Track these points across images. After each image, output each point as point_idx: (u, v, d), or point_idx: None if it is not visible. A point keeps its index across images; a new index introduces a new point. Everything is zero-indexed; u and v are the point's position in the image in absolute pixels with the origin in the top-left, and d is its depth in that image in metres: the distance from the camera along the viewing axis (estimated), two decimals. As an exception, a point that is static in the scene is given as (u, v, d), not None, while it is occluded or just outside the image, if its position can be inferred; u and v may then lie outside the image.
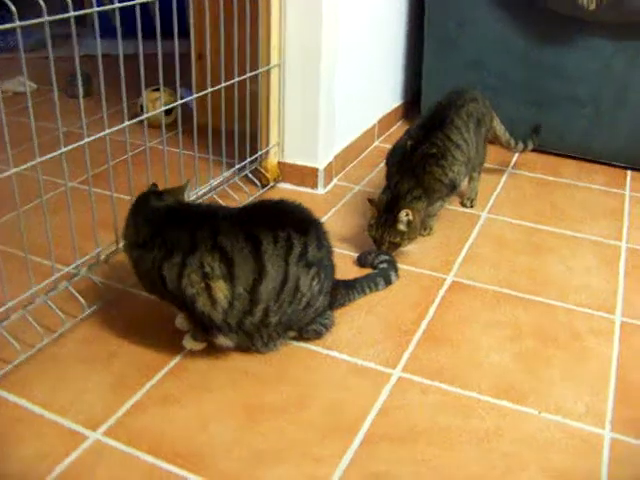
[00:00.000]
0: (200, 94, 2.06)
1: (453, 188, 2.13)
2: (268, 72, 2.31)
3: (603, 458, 1.38)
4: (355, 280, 1.85)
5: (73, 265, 1.74)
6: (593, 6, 2.57)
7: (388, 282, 1.91)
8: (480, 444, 1.41)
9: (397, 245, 1.99)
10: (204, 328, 1.54)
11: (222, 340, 1.56)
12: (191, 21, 2.72)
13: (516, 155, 2.84)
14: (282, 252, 1.52)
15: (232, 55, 2.13)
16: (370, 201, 2.02)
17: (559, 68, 2.76)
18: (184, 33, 2.25)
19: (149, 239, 1.53)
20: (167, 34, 1.85)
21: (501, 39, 2.82)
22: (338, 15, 2.34)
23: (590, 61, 2.72)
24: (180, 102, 1.98)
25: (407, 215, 1.95)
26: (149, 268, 1.52)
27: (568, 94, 2.79)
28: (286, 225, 1.54)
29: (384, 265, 1.94)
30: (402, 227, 1.96)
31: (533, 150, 2.72)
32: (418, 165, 2.04)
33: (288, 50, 2.31)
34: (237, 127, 2.26)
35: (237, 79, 2.18)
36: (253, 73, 2.26)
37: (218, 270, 1.47)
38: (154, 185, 1.68)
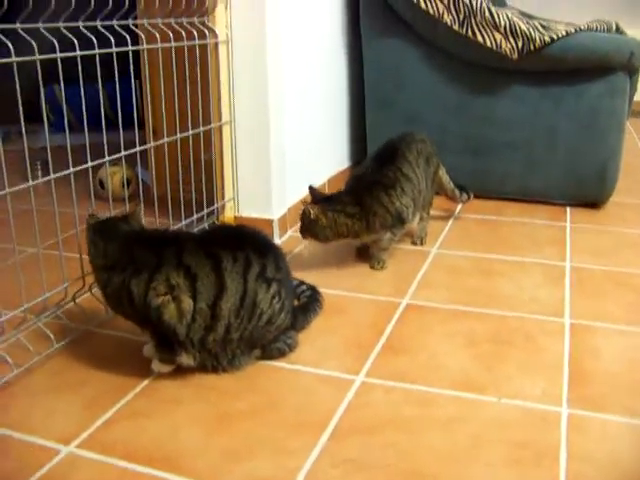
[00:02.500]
0: (157, 143, 2.16)
1: (400, 220, 2.24)
2: (220, 129, 2.44)
3: (562, 430, 1.44)
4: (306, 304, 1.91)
5: (41, 298, 1.78)
6: (515, 55, 2.78)
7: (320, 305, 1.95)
8: (444, 428, 1.46)
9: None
10: (167, 346, 1.59)
11: (185, 359, 1.61)
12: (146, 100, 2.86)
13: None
14: (241, 270, 1.59)
15: (185, 117, 2.26)
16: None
17: (492, 116, 2.96)
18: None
19: (119, 261, 1.60)
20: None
21: (436, 94, 3.02)
22: (284, 76, 2.51)
23: (520, 107, 2.92)
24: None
25: (313, 212, 2.11)
26: (118, 288, 1.58)
27: (503, 140, 2.97)
28: (245, 246, 1.63)
29: (308, 292, 1.97)
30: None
31: (476, 197, 2.86)
32: (366, 190, 2.15)
33: (238, 108, 2.45)
34: (194, 189, 2.36)
35: (191, 132, 2.30)
36: (206, 128, 2.38)
37: (183, 285, 1.54)
38: (93, 216, 1.72)
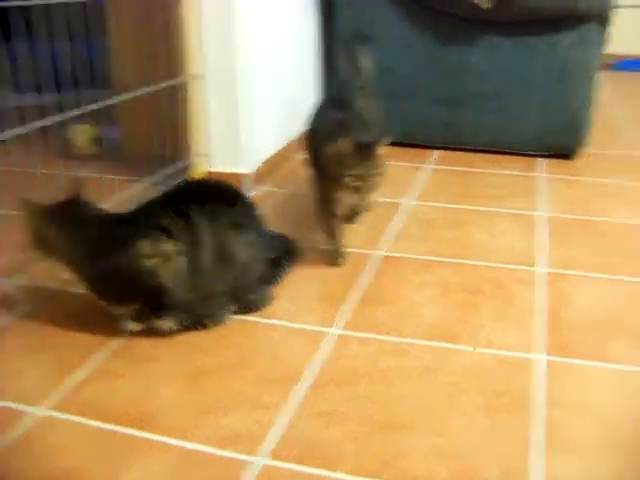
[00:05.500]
0: (124, 97, 2.11)
1: None
2: (190, 83, 2.38)
3: (537, 377, 1.45)
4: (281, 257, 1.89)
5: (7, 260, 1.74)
6: (487, 5, 2.74)
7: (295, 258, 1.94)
8: (420, 378, 1.46)
9: (374, 183, 1.78)
10: (156, 309, 1.58)
11: (168, 322, 1.59)
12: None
13: (434, 153, 2.97)
14: (212, 223, 1.58)
15: (152, 71, 2.20)
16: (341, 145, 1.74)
17: (465, 67, 2.93)
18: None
19: (98, 245, 1.56)
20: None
21: (408, 45, 2.97)
22: (254, 29, 2.46)
23: (492, 58, 2.89)
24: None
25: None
26: (105, 271, 1.55)
27: (475, 91, 2.94)
28: (213, 199, 1.61)
29: (283, 245, 1.94)
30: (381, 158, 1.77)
31: (449, 148, 2.85)
32: None
33: (207, 61, 2.39)
34: (164, 146, 2.31)
35: (158, 86, 2.24)
36: (174, 82, 2.33)
37: (166, 247, 1.52)
38: (27, 201, 1.61)
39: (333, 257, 1.98)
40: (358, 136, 1.75)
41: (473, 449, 1.25)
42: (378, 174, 1.75)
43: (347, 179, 1.73)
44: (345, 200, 1.81)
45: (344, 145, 1.72)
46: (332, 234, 1.97)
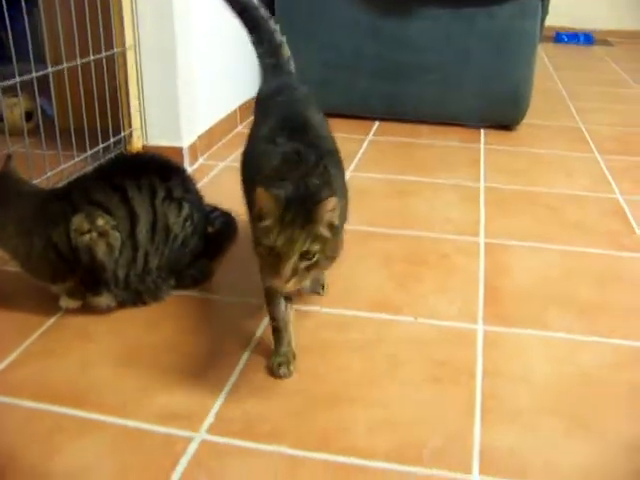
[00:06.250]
0: (55, 69, 2.04)
1: None
2: (124, 54, 2.32)
3: (478, 347, 1.46)
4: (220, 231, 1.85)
5: None
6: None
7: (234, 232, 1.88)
8: (362, 350, 1.45)
9: (311, 262, 1.15)
10: (92, 285, 1.53)
11: (104, 299, 1.56)
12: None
13: (375, 124, 2.96)
14: (147, 196, 1.54)
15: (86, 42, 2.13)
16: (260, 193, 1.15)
17: (405, 39, 2.92)
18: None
19: (33, 223, 1.51)
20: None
21: (349, 18, 2.95)
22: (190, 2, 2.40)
23: (432, 30, 2.89)
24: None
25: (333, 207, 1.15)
26: (42, 249, 1.50)
27: (417, 63, 2.94)
28: (148, 173, 1.58)
29: (222, 219, 1.87)
30: (325, 230, 1.17)
31: (391, 119, 2.84)
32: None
33: (142, 30, 2.32)
34: (99, 119, 2.25)
35: (92, 57, 2.17)
36: (108, 53, 2.26)
37: (102, 221, 1.48)
38: None
39: (274, 362, 1.38)
40: (297, 188, 1.18)
41: (415, 420, 1.25)
42: (319, 253, 1.16)
43: (262, 249, 1.17)
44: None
45: (266, 199, 1.15)
46: (271, 305, 1.38)
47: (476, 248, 1.88)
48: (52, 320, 1.55)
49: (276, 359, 1.38)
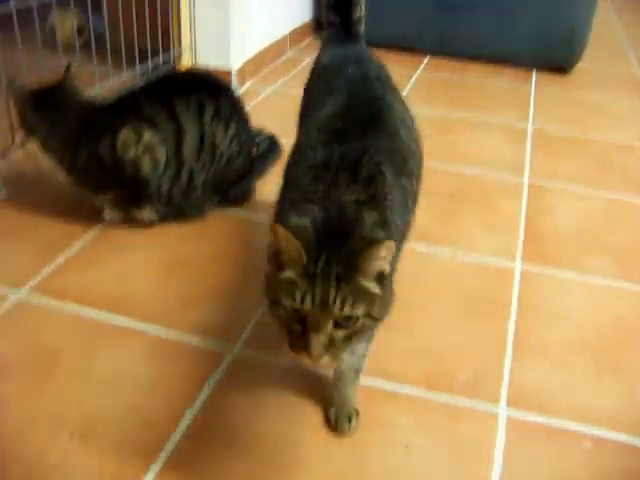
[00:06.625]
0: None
1: None
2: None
3: (514, 285, 1.46)
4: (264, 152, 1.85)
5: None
6: None
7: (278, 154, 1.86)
8: (400, 280, 1.45)
9: (352, 329, 0.83)
10: (135, 198, 1.55)
11: (147, 213, 1.58)
12: None
13: (426, 59, 2.91)
14: (196, 113, 1.55)
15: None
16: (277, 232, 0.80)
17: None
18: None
19: (80, 133, 1.52)
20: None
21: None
22: None
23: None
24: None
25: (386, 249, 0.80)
26: (86, 158, 1.52)
27: (472, -1, 2.86)
28: (197, 90, 1.58)
29: (267, 141, 1.86)
30: (373, 284, 0.83)
31: (442, 55, 2.79)
32: None
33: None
34: (149, 37, 2.24)
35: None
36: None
37: (148, 136, 1.50)
38: (12, 82, 1.54)
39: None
40: (332, 220, 0.84)
41: (448, 351, 1.27)
42: (363, 318, 0.82)
43: (280, 309, 0.83)
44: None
45: (285, 241, 0.80)
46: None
47: (520, 188, 1.87)
48: (95, 231, 1.59)
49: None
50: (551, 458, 1.06)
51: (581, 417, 1.14)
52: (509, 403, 1.15)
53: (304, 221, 0.83)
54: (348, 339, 0.83)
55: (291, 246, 0.79)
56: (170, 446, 1.04)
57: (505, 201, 1.80)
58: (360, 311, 0.81)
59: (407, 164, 1.05)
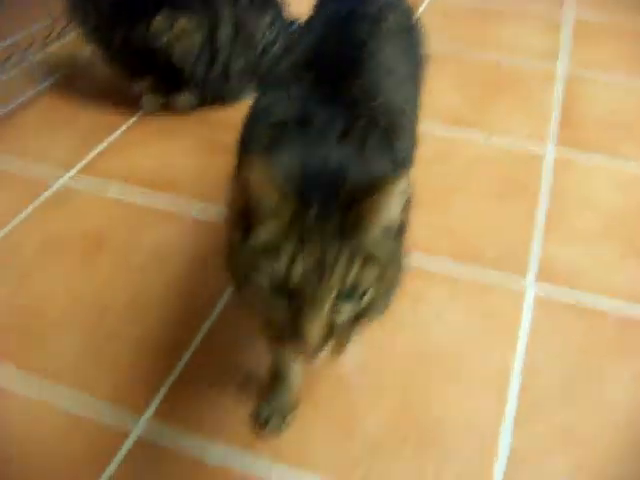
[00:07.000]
0: None
1: None
2: None
3: (547, 168, 1.48)
4: None
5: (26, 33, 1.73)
6: None
7: None
8: (432, 161, 1.49)
9: (360, 307, 0.64)
10: (172, 84, 1.59)
11: (185, 98, 1.61)
12: None
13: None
14: (231, 1, 1.55)
15: None
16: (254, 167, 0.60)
17: None
18: None
19: (115, 17, 1.54)
20: None
21: None
22: None
23: None
24: None
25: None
26: (116, 42, 1.54)
27: None
28: None
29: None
30: (384, 240, 0.64)
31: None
32: None
33: None
34: None
35: None
36: None
37: (182, 23, 1.51)
38: None
39: (259, 416, 0.96)
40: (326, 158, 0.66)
41: (477, 230, 1.31)
42: (375, 287, 0.64)
43: (257, 286, 0.63)
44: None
45: (263, 180, 0.60)
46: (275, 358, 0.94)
47: (555, 75, 1.85)
48: (134, 118, 1.63)
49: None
50: (577, 332, 1.11)
51: (609, 293, 1.18)
52: (537, 277, 1.20)
53: (286, 156, 0.63)
54: (356, 321, 0.62)
55: (273, 189, 0.58)
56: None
57: (540, 87, 1.79)
58: (371, 275, 0.60)
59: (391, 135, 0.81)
